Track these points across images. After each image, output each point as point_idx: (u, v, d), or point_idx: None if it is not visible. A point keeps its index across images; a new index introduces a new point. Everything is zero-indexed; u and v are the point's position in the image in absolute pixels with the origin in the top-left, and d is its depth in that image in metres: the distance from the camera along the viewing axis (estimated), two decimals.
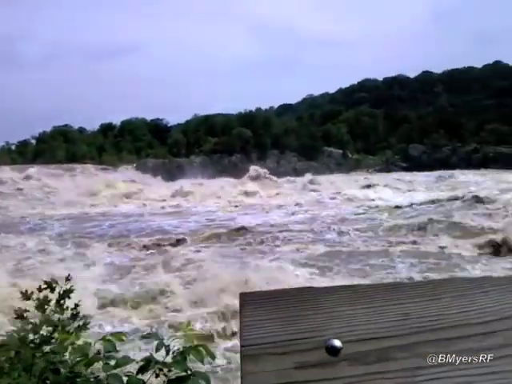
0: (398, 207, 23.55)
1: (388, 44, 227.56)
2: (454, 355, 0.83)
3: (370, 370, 0.79)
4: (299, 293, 0.83)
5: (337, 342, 0.79)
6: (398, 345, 0.82)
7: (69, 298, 1.92)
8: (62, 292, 1.92)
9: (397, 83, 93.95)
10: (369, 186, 35.47)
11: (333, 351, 0.79)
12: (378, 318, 0.83)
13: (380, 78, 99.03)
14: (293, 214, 23.05)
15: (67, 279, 1.96)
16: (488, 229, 15.55)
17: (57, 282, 1.91)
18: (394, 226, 17.34)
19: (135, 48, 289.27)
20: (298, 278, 11.17)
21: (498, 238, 13.95)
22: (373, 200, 27.35)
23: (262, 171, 41.55)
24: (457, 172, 45.94)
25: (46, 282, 1.90)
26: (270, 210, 24.95)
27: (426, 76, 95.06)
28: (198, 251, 14.72)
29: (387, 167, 59.16)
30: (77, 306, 1.93)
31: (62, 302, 1.91)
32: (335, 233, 16.87)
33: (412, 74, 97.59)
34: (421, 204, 24.13)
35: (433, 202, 24.40)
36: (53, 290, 1.91)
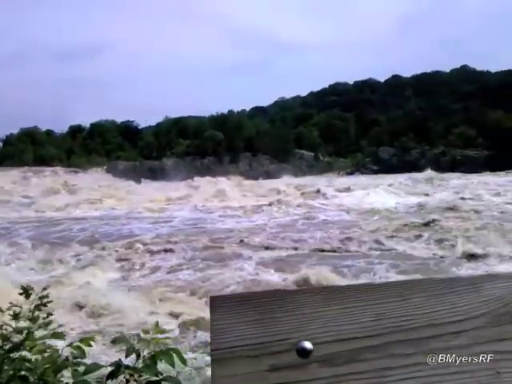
0: (390, 210, 23.44)
1: (359, 48, 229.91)
2: (424, 355, 0.83)
3: (340, 371, 0.79)
4: (271, 295, 0.83)
5: (307, 344, 0.79)
6: (370, 345, 0.82)
7: (45, 306, 1.89)
8: (38, 300, 1.89)
9: (367, 87, 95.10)
10: (350, 189, 35.04)
11: (303, 353, 0.79)
12: (351, 319, 0.83)
13: (351, 82, 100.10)
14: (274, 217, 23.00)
15: (44, 288, 1.93)
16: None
17: (33, 289, 1.89)
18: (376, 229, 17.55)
19: (105, 49, 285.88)
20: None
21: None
22: (365, 203, 27.09)
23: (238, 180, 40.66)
24: (445, 175, 45.81)
25: (22, 288, 1.87)
26: (252, 213, 24.76)
27: (395, 80, 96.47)
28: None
29: (358, 170, 59.87)
30: (50, 314, 1.90)
31: (36, 310, 1.88)
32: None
33: (382, 78, 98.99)
34: (408, 206, 24.35)
35: (420, 205, 24.72)
36: (28, 296, 1.88)
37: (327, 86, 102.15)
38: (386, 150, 63.76)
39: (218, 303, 0.81)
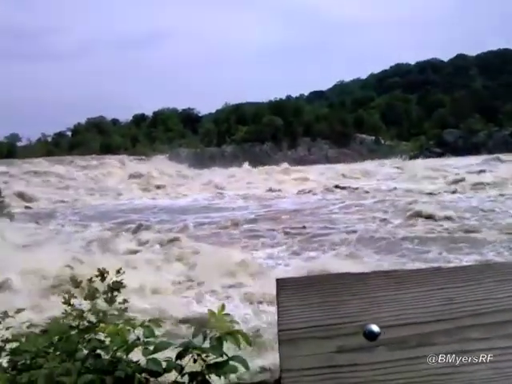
0: None
1: (420, 27, 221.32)
2: (498, 339, 0.82)
3: (409, 354, 0.79)
4: (337, 278, 0.84)
5: (374, 327, 0.80)
6: (441, 330, 0.82)
7: (119, 291, 1.98)
8: (111, 283, 1.99)
9: (430, 67, 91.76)
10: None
11: (371, 336, 0.79)
12: (420, 303, 0.83)
13: (412, 63, 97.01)
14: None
15: (118, 272, 2.02)
16: None
17: (108, 273, 1.98)
18: None
19: (163, 38, 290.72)
20: None
21: None
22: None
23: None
24: None
25: (98, 270, 1.97)
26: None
27: (459, 59, 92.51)
28: None
29: (422, 153, 58.06)
30: (125, 301, 1.99)
31: (111, 293, 1.97)
32: None
33: (445, 58, 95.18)
34: None
35: None
36: (103, 279, 1.98)
37: (388, 67, 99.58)
38: (451, 132, 61.45)
39: (284, 285, 0.82)
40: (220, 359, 1.55)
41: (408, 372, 0.78)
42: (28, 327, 2.06)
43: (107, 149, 57.31)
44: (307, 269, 10.05)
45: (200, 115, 77.33)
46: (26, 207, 26.18)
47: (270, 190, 30.16)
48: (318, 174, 36.82)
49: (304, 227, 15.92)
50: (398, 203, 20.25)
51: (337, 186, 28.56)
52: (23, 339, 1.82)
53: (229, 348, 1.58)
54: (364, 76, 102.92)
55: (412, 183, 28.40)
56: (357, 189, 27.36)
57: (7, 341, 1.91)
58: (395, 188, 26.41)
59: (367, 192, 25.67)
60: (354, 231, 15.04)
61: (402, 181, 30.34)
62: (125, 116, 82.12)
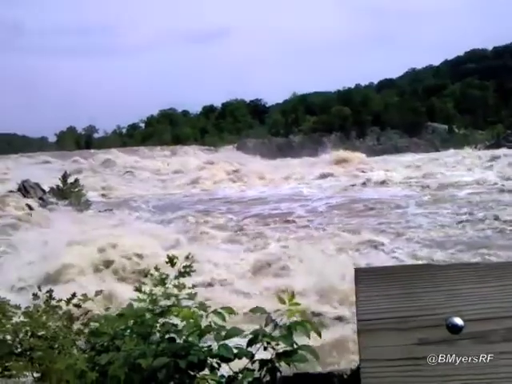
0: None
1: (496, 11, 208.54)
2: None
3: (494, 349, 0.77)
4: (417, 269, 0.82)
5: (458, 320, 0.78)
6: None
7: (189, 275, 2.03)
8: (182, 269, 2.04)
9: (508, 52, 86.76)
10: None
11: (454, 329, 0.78)
12: (504, 297, 0.80)
13: (489, 48, 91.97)
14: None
15: (187, 258, 2.07)
16: None
17: (177, 258, 2.04)
18: None
19: (229, 32, 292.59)
20: None
21: None
22: None
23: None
24: None
25: (168, 257, 2.03)
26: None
27: None
28: None
29: (498, 142, 55.15)
30: (194, 286, 2.04)
31: (181, 277, 2.03)
32: None
33: None
34: None
35: None
36: (173, 265, 2.04)
37: (463, 53, 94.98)
38: None
39: (363, 276, 0.81)
40: (290, 348, 1.56)
41: (494, 367, 0.76)
42: (106, 310, 2.16)
43: (178, 139, 58.74)
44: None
45: (267, 106, 77.47)
46: (103, 195, 27.39)
47: (350, 179, 29.80)
48: (396, 165, 35.82)
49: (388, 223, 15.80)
50: (489, 198, 19.19)
51: (413, 179, 27.39)
52: (102, 321, 1.91)
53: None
54: (437, 63, 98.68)
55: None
56: (439, 180, 25.94)
57: (87, 323, 2.01)
58: (487, 180, 24.72)
59: (453, 185, 24.25)
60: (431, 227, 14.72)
61: (496, 174, 27.36)
62: (194, 108, 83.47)
